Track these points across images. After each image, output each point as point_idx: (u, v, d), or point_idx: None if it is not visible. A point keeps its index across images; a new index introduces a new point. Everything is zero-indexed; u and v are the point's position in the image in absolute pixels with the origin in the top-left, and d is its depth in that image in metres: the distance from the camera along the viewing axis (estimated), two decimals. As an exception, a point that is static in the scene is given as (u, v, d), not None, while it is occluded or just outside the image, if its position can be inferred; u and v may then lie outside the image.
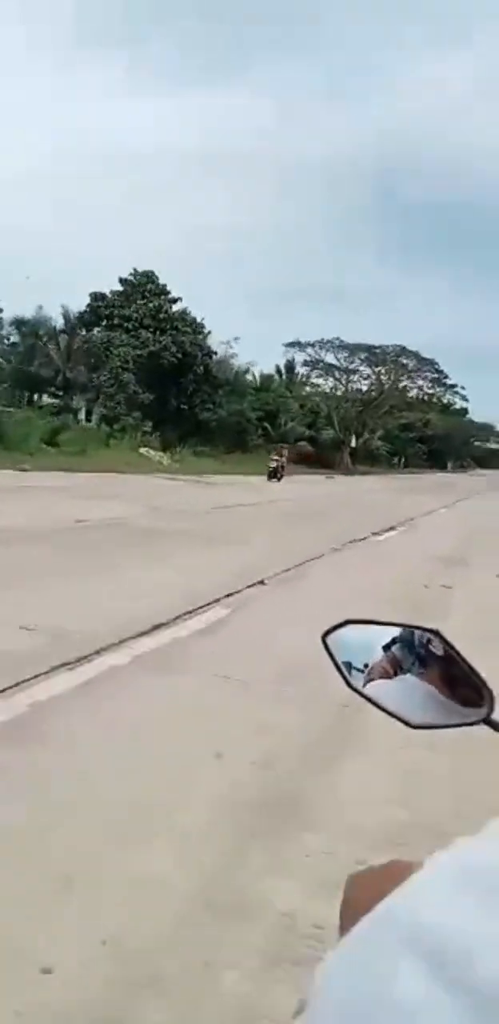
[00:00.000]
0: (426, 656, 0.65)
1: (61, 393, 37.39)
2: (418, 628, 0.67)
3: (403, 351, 57.60)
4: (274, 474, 30.51)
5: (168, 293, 40.43)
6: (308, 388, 64.03)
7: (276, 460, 31.62)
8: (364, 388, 60.55)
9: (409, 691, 0.64)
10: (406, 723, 0.64)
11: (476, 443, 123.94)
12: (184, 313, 39.84)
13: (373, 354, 57.68)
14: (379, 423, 71.13)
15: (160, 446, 34.71)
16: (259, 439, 48.46)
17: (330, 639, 0.68)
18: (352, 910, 0.45)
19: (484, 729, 0.62)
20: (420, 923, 0.29)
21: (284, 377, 63.92)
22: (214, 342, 48.43)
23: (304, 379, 64.93)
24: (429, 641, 0.65)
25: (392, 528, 15.41)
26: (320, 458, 58.37)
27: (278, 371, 64.24)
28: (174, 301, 40.48)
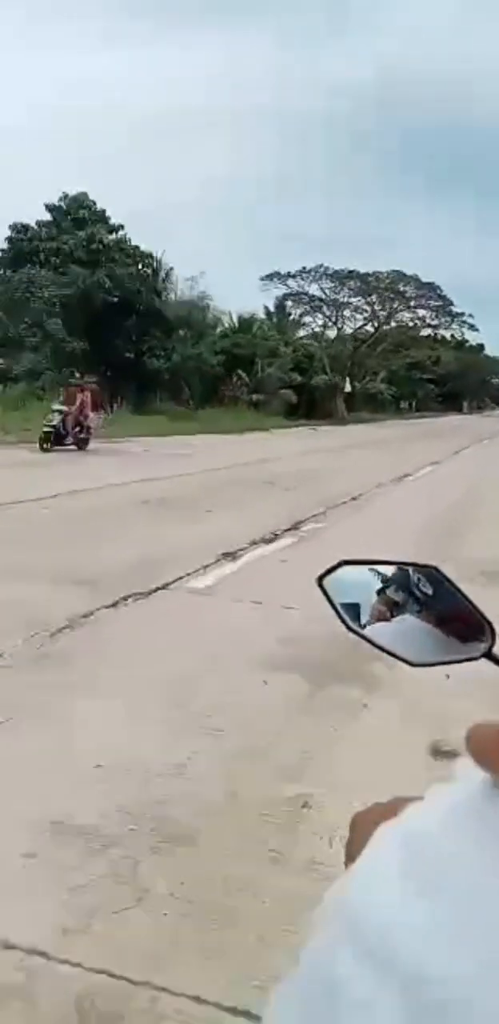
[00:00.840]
0: (424, 594, 0.65)
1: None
2: (416, 565, 0.67)
3: (400, 276, 49.69)
4: (51, 439, 16.88)
5: (107, 220, 33.62)
6: (302, 331, 56.89)
7: (60, 411, 17.39)
8: (359, 323, 52.73)
9: (408, 631, 0.65)
10: (407, 661, 0.64)
11: (494, 380, 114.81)
12: (122, 242, 32.96)
13: (365, 282, 49.71)
14: (381, 364, 64.19)
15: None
16: (239, 389, 41.91)
17: (326, 581, 0.67)
18: (356, 851, 0.46)
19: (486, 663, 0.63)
20: (358, 911, 0.29)
21: (274, 319, 57.10)
22: (178, 280, 41.76)
23: (296, 320, 57.71)
24: (428, 579, 0.66)
25: (294, 529, 8.82)
26: (315, 406, 51.87)
27: (267, 313, 57.32)
28: (114, 229, 33.65)
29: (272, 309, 57.39)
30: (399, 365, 69.33)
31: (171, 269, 41.75)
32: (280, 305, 57.20)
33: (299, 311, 55.41)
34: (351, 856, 0.48)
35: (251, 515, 8.99)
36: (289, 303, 55.29)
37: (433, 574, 0.65)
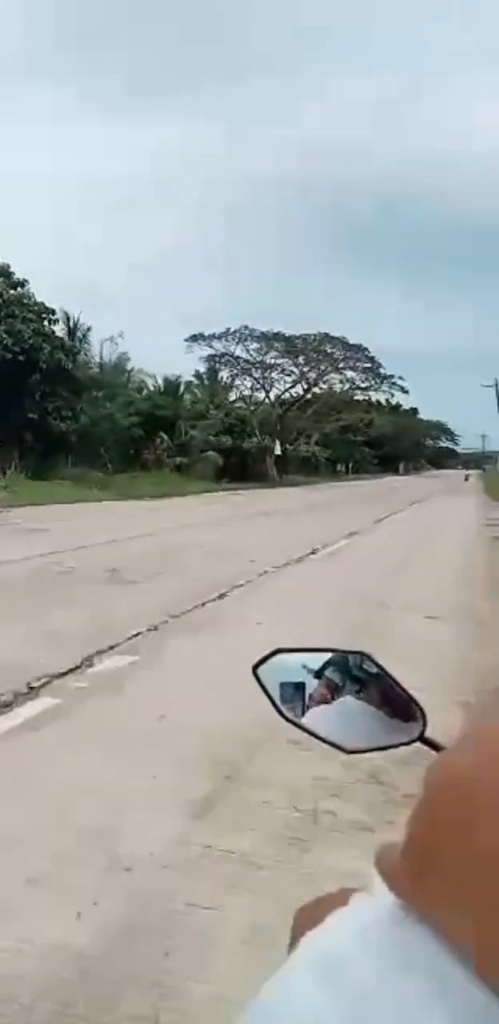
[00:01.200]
0: (362, 677, 0.66)
1: None
2: (348, 652, 0.69)
3: (327, 338, 48.78)
4: None
5: (10, 274, 31.25)
6: (234, 394, 55.35)
7: None
8: (288, 385, 51.42)
9: (348, 714, 0.66)
10: (341, 749, 0.65)
11: (428, 442, 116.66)
12: (24, 297, 30.57)
13: (291, 344, 48.60)
14: (314, 426, 63.23)
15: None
16: (162, 453, 39.52)
17: (261, 670, 0.68)
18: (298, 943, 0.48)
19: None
20: (274, 1018, 0.29)
21: (205, 382, 55.47)
22: (96, 341, 39.58)
23: (228, 384, 56.24)
24: (363, 662, 0.67)
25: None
26: (247, 469, 49.98)
27: (199, 376, 55.75)
28: (17, 285, 31.28)
29: (203, 372, 56.07)
30: (332, 428, 68.73)
31: (88, 330, 39.74)
32: (212, 369, 55.85)
33: (230, 374, 53.90)
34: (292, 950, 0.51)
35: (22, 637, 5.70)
36: (221, 367, 53.79)
37: (366, 660, 0.66)
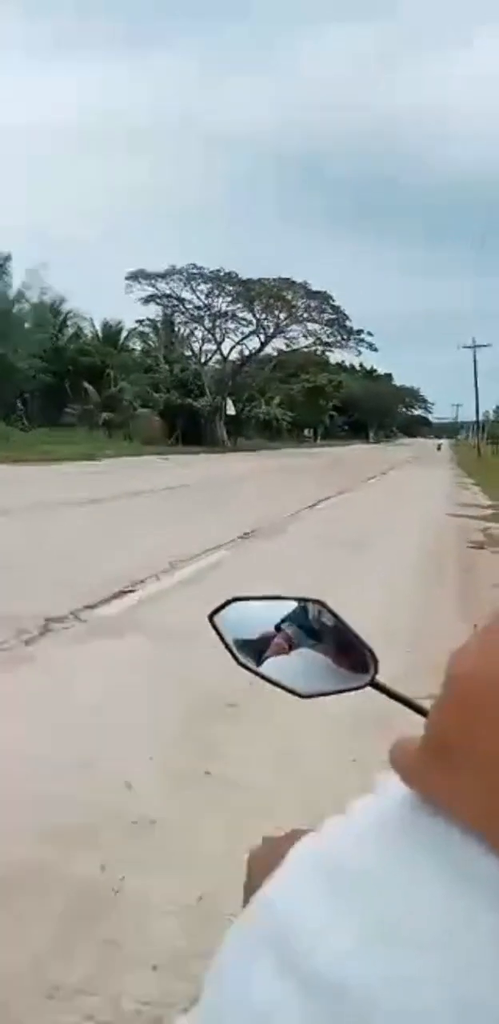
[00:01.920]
0: (318, 627, 0.69)
1: None
2: (304, 600, 0.70)
3: (286, 283, 43.09)
4: None
5: None
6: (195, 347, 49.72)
7: None
8: (243, 335, 45.76)
9: (304, 664, 0.68)
10: (296, 694, 0.67)
11: (401, 410, 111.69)
12: None
13: (246, 288, 42.88)
14: (277, 387, 58.10)
15: None
16: (93, 408, 34.04)
17: (218, 618, 0.69)
18: (254, 886, 0.47)
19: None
20: (276, 920, 0.29)
21: (159, 333, 49.72)
22: (18, 271, 33.77)
23: (184, 336, 50.57)
24: (320, 613, 0.69)
25: None
26: (200, 432, 44.71)
27: (154, 326, 49.95)
28: None
29: (158, 321, 50.30)
30: (298, 389, 63.51)
31: (7, 258, 33.97)
32: (167, 319, 50.18)
33: (187, 325, 48.18)
34: (249, 892, 0.48)
35: None
36: (178, 318, 47.92)
37: (322, 609, 0.68)
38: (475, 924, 0.25)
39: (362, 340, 45.64)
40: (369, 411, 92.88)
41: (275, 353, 49.19)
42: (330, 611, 0.67)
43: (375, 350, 47.83)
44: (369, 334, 46.08)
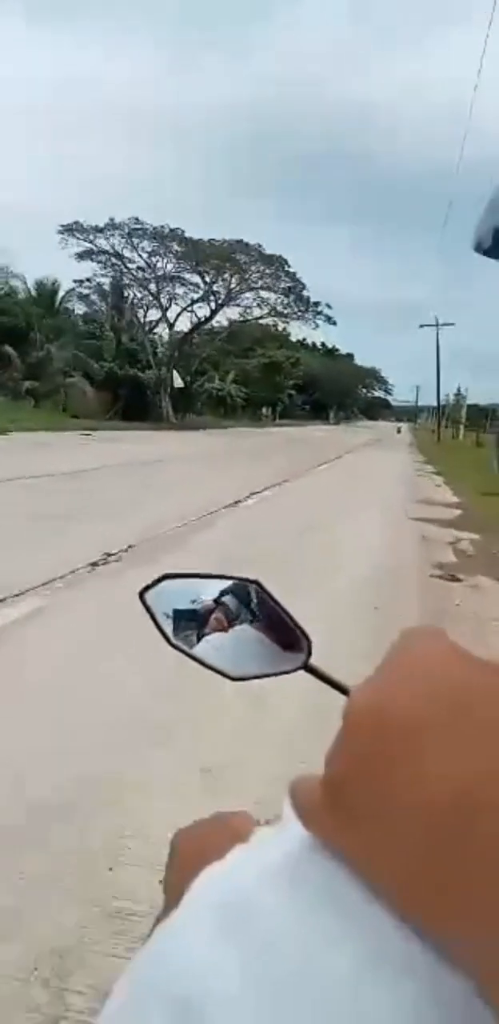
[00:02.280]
0: (257, 606, 0.68)
1: None
2: (239, 579, 0.69)
3: (239, 245, 39.53)
4: None
5: None
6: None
7: None
8: (191, 301, 42.06)
9: (239, 643, 0.67)
10: (226, 675, 0.65)
11: (362, 391, 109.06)
12: None
13: (194, 248, 39.14)
14: (231, 361, 54.84)
15: None
16: (12, 373, 30.09)
17: (149, 595, 0.67)
18: (177, 874, 0.44)
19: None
20: (172, 975, 0.28)
21: (108, 301, 45.76)
22: None
23: (134, 303, 46.65)
24: (256, 593, 0.68)
25: None
26: (146, 406, 41.18)
27: (99, 289, 45.80)
28: None
29: (105, 285, 46.32)
30: (254, 365, 60.25)
31: None
32: (116, 284, 46.25)
33: (129, 288, 44.27)
34: (169, 881, 0.47)
35: None
36: (128, 283, 43.85)
37: (257, 589, 0.67)
38: (377, 995, 0.25)
39: (320, 312, 42.48)
40: (329, 391, 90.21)
41: (227, 323, 45.73)
42: (266, 592, 0.66)
43: (333, 323, 44.75)
44: (328, 306, 42.95)
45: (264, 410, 75.65)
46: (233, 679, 0.65)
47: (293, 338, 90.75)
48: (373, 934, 0.25)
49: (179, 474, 14.83)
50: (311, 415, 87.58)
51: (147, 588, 0.66)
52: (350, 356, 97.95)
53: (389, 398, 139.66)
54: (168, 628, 0.66)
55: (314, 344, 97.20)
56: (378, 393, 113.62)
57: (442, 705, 0.26)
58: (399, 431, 74.09)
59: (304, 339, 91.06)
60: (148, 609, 0.66)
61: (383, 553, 7.60)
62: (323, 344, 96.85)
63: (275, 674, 0.65)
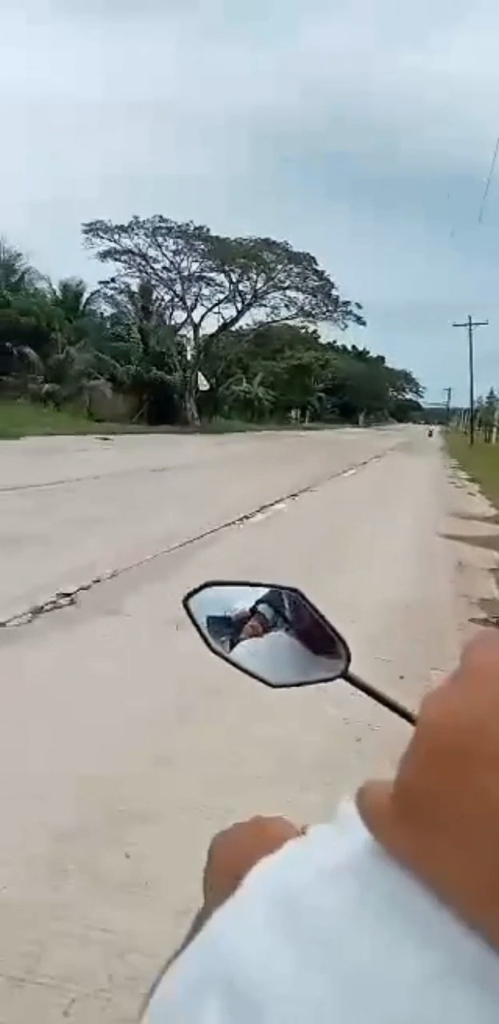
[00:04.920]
0: (294, 614, 0.69)
1: None
2: (279, 588, 0.70)
3: (265, 244, 38.13)
4: None
5: None
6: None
7: None
8: (217, 301, 40.96)
9: (278, 649, 0.68)
10: (266, 682, 0.66)
11: (392, 394, 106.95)
12: None
13: (220, 247, 37.77)
14: (259, 364, 53.72)
15: None
16: (35, 376, 29.30)
17: (192, 602, 0.69)
18: (216, 877, 0.43)
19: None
20: (226, 961, 0.28)
21: (136, 299, 44.87)
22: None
23: (164, 305, 45.76)
24: (295, 602, 0.69)
25: None
26: (172, 409, 40.25)
27: (128, 291, 44.95)
28: None
29: (134, 289, 45.56)
30: (283, 367, 59.01)
31: None
32: (145, 288, 45.48)
33: (155, 288, 43.42)
34: (211, 885, 0.46)
35: None
36: (156, 284, 42.96)
37: (295, 597, 0.68)
38: (446, 1004, 0.24)
39: (349, 312, 41.06)
40: (359, 394, 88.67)
41: (254, 325, 44.60)
42: (306, 600, 0.67)
43: (363, 323, 43.29)
44: (357, 306, 41.55)
45: (293, 413, 74.43)
46: (273, 686, 0.65)
47: (322, 340, 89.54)
48: (441, 944, 0.25)
49: (186, 483, 13.70)
50: (341, 418, 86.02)
51: (190, 595, 0.67)
52: (381, 359, 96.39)
53: (420, 400, 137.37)
54: (208, 632, 0.67)
55: (344, 347, 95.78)
56: (408, 395, 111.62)
57: None
58: (430, 434, 72.40)
59: (334, 341, 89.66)
60: (191, 615, 0.67)
61: (410, 586, 6.41)
62: (354, 347, 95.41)
63: (314, 681, 0.65)
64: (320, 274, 39.30)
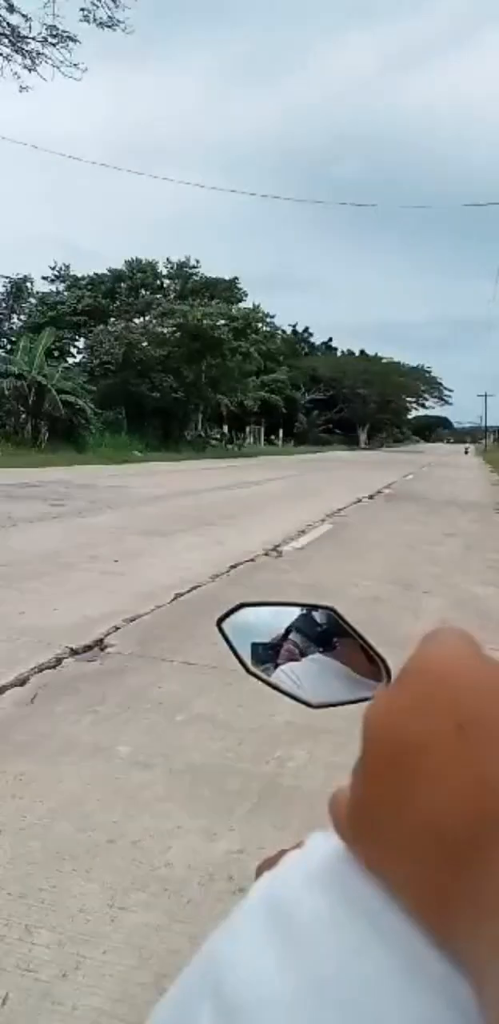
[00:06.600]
0: (331, 633, 0.68)
1: None
2: (314, 607, 0.70)
3: None
4: None
5: None
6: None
7: None
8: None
9: (316, 670, 0.67)
10: (306, 703, 0.66)
11: (409, 402, 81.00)
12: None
13: None
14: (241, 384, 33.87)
15: None
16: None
17: (226, 624, 0.68)
18: None
19: None
20: (218, 969, 0.29)
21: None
22: None
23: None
24: (330, 620, 0.69)
25: None
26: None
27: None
28: None
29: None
30: (254, 386, 36.87)
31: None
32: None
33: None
34: None
35: None
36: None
37: (332, 615, 0.68)
38: (403, 1000, 0.25)
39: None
40: (363, 404, 66.20)
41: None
42: (341, 618, 0.66)
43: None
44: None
45: (275, 435, 53.35)
46: (313, 707, 0.65)
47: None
48: (400, 943, 0.25)
49: None
50: (343, 437, 64.30)
51: (224, 617, 0.67)
52: (396, 364, 73.57)
53: (446, 412, 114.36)
54: (244, 655, 0.67)
55: (351, 351, 74.16)
56: (432, 408, 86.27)
57: (455, 718, 0.26)
58: (467, 452, 61.73)
59: (307, 333, 67.65)
60: (225, 637, 0.67)
61: None
62: (363, 352, 73.64)
63: (355, 701, 0.63)
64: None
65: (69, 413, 23.14)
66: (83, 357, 29.18)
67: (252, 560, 6.89)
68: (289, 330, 65.05)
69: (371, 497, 15.03)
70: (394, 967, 0.26)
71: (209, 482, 16.94)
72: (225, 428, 41.14)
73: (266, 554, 7.29)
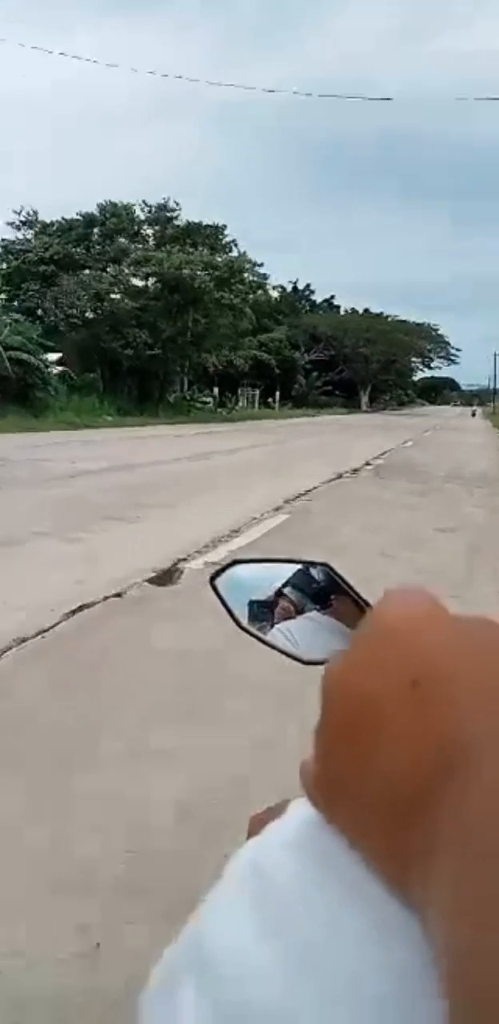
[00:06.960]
0: (326, 589, 0.66)
1: None
2: (309, 563, 0.68)
3: None
4: None
5: None
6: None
7: None
8: None
9: (310, 627, 0.65)
10: (298, 659, 0.64)
11: (415, 362, 77.71)
12: None
13: None
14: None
15: None
16: None
17: (219, 581, 0.66)
18: None
19: None
20: (206, 945, 0.29)
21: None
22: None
23: None
24: (326, 575, 0.66)
25: None
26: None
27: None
28: None
29: None
30: (247, 346, 33.85)
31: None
32: None
33: None
34: None
35: None
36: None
37: (328, 571, 0.66)
38: (381, 960, 0.25)
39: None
40: (365, 364, 62.97)
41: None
42: (336, 574, 0.64)
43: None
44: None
45: (272, 398, 50.42)
46: (305, 663, 0.63)
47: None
48: (372, 906, 0.26)
49: None
50: (340, 398, 61.32)
51: (217, 574, 0.66)
52: (402, 322, 69.93)
53: (454, 374, 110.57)
54: (238, 613, 0.66)
55: (354, 310, 70.76)
56: (438, 368, 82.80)
57: (410, 674, 0.26)
58: (474, 415, 59.09)
59: (308, 291, 64.37)
60: (218, 594, 0.66)
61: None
62: (367, 310, 70.20)
63: None
64: None
65: (21, 372, 20.38)
66: (47, 309, 26.25)
67: (118, 596, 4.28)
68: (289, 287, 61.65)
69: (355, 471, 12.42)
70: (371, 930, 0.26)
71: (168, 452, 14.31)
72: (215, 391, 38.17)
73: (152, 580, 4.68)
